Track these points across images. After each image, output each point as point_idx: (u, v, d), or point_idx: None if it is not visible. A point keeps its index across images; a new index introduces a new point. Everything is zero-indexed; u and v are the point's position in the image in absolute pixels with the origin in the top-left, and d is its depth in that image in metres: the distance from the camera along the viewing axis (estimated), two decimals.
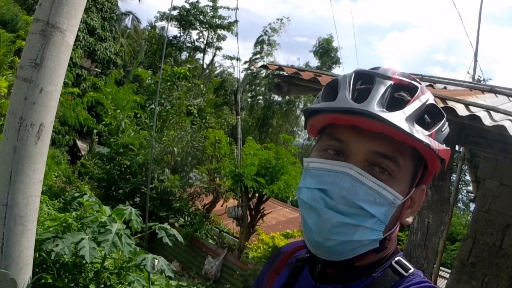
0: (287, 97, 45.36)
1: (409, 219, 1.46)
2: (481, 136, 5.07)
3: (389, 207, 1.32)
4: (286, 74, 6.22)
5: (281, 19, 49.39)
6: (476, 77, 12.95)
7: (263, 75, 46.68)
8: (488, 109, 5.00)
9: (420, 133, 1.31)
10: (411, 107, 1.33)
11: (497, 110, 5.02)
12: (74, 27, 4.91)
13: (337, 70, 48.86)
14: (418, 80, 1.42)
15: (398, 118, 1.28)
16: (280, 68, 6.33)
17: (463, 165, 9.52)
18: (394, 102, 1.33)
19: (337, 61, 48.51)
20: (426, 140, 1.31)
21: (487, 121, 4.53)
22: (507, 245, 6.38)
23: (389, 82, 1.35)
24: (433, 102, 1.40)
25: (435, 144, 1.34)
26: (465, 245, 6.66)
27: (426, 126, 1.35)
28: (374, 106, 1.28)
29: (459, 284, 6.58)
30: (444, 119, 1.42)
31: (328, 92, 1.44)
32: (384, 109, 1.29)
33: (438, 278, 9.88)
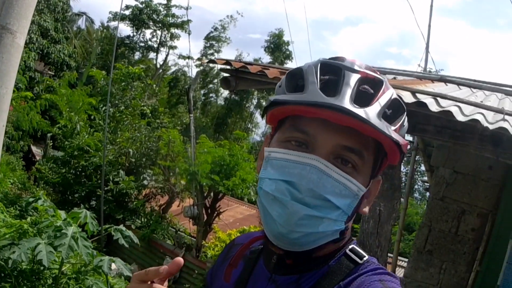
0: (238, 95, 45.54)
1: (365, 209, 1.46)
2: (430, 124, 5.14)
3: (353, 199, 1.34)
4: (234, 68, 6.23)
5: (231, 16, 49.41)
6: (428, 69, 13.14)
7: (215, 72, 46.65)
8: (435, 95, 5.09)
9: (389, 129, 1.32)
10: (380, 103, 1.33)
11: (444, 97, 5.12)
12: (25, 28, 4.86)
13: (290, 65, 49.06)
14: (378, 73, 1.42)
15: (371, 114, 1.28)
16: (228, 62, 6.34)
17: (417, 155, 9.65)
18: (360, 96, 1.32)
19: (289, 56, 48.69)
20: (395, 136, 1.33)
21: (433, 107, 4.61)
22: (463, 231, 6.50)
23: (358, 76, 1.35)
24: (397, 97, 1.40)
25: (401, 140, 1.35)
26: (421, 233, 6.75)
27: (390, 120, 1.35)
28: (348, 102, 1.27)
29: (417, 271, 6.67)
30: (405, 112, 1.43)
31: (292, 82, 1.41)
32: (355, 104, 1.28)
33: (397, 268, 10.00)
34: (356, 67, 1.36)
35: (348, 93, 1.29)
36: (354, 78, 1.33)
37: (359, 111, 1.26)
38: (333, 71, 1.36)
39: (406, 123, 1.43)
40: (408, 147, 1.49)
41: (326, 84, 1.33)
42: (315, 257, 1.41)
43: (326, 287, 1.36)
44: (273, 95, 1.47)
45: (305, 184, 1.28)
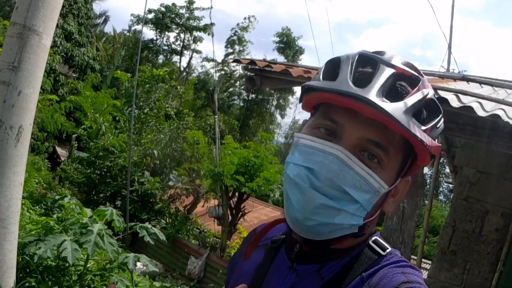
0: (260, 96, 45.46)
1: (391, 208, 1.46)
2: (452, 121, 5.14)
3: (373, 194, 1.32)
4: (258, 68, 6.25)
5: (249, 18, 49.42)
6: (451, 70, 13.07)
7: (237, 75, 46.70)
8: (456, 92, 5.09)
9: (416, 127, 1.30)
10: (411, 100, 1.31)
11: (465, 93, 5.12)
12: (51, 30, 4.94)
13: (304, 60, 48.98)
14: (421, 72, 1.40)
15: (397, 109, 1.27)
16: (252, 62, 6.36)
17: (441, 157, 9.61)
18: (394, 92, 1.31)
19: (299, 51, 48.79)
20: (421, 136, 1.31)
21: (455, 103, 4.61)
22: (487, 231, 6.46)
23: (392, 71, 1.33)
24: (433, 97, 1.39)
25: (428, 141, 1.33)
26: (445, 233, 6.72)
27: (422, 120, 1.34)
28: (374, 94, 1.27)
29: (441, 272, 6.65)
30: (441, 115, 1.41)
31: (328, 70, 1.41)
32: (384, 98, 1.28)
33: (421, 270, 9.95)
34: (393, 62, 1.35)
35: (377, 86, 1.29)
36: (388, 72, 1.33)
37: (386, 106, 1.26)
38: (370, 64, 1.36)
39: (441, 126, 1.42)
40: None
41: (362, 76, 1.33)
42: (334, 249, 1.41)
43: (348, 277, 1.36)
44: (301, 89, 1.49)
45: (324, 173, 1.28)
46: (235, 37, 48.94)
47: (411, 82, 1.35)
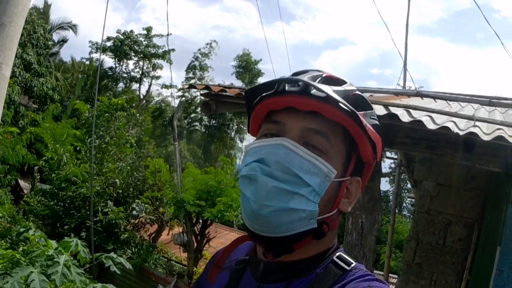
0: (220, 121, 45.50)
1: (346, 207, 1.49)
2: (407, 136, 5.25)
3: (324, 179, 1.37)
4: (214, 93, 6.32)
5: (210, 43, 49.52)
6: (407, 87, 13.24)
7: (198, 101, 46.65)
8: (406, 107, 5.20)
9: (350, 107, 1.39)
10: (344, 88, 1.45)
11: (416, 108, 5.23)
12: (10, 60, 4.92)
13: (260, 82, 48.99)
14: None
15: (335, 92, 1.39)
16: (207, 87, 6.43)
17: (402, 173, 9.73)
18: (327, 82, 1.45)
19: (258, 74, 49.01)
20: (360, 117, 1.40)
21: (405, 118, 4.71)
22: (450, 242, 6.59)
23: (321, 73, 1.47)
24: (360, 94, 1.49)
25: (364, 121, 1.42)
26: (409, 247, 6.83)
27: (356, 107, 1.41)
28: (309, 80, 1.40)
29: (408, 285, 6.73)
30: (373, 110, 1.51)
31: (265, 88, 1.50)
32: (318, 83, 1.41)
33: (390, 285, 10.03)
34: (320, 71, 1.50)
35: (308, 76, 1.45)
36: (316, 72, 1.48)
37: (323, 86, 1.38)
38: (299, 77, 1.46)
39: (375, 118, 1.51)
40: (385, 160, 1.56)
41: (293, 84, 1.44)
42: (297, 261, 1.44)
43: None
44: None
45: (272, 157, 1.36)
46: (196, 63, 48.97)
47: (339, 82, 1.49)
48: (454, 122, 4.84)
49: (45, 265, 5.72)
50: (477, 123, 4.92)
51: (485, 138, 4.49)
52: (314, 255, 1.46)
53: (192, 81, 47.83)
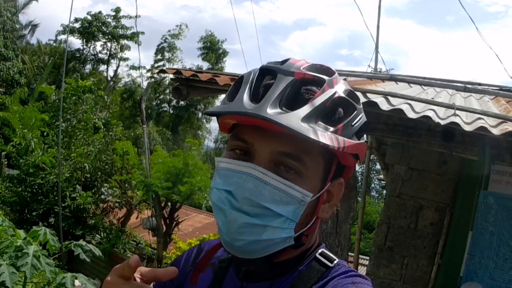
0: (187, 102, 45.44)
1: (327, 214, 1.44)
2: (382, 122, 5.22)
3: (298, 205, 1.30)
4: (185, 77, 6.23)
5: (180, 25, 49.34)
6: (378, 69, 13.24)
7: (167, 82, 46.47)
8: (385, 94, 5.16)
9: (319, 131, 1.26)
10: (314, 103, 1.28)
11: (395, 95, 5.20)
12: None
13: (230, 63, 49.06)
14: (331, 70, 1.39)
15: (294, 118, 1.23)
16: (178, 71, 6.34)
17: (372, 154, 9.73)
18: (296, 99, 1.29)
19: (222, 54, 49.22)
20: (325, 139, 1.26)
21: (384, 106, 4.66)
22: (422, 226, 6.61)
23: (291, 79, 1.30)
24: (342, 95, 1.35)
25: (337, 142, 1.29)
26: (380, 231, 6.84)
27: (332, 122, 1.31)
28: (267, 108, 1.24)
29: (380, 268, 6.75)
30: (356, 111, 1.38)
31: (231, 91, 1.39)
32: (283, 108, 1.25)
33: (359, 266, 10.11)
34: (292, 69, 1.33)
35: (272, 97, 1.27)
36: (286, 81, 1.30)
37: (279, 116, 1.23)
38: (271, 75, 1.34)
39: (358, 122, 1.39)
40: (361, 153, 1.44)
41: (264, 89, 1.31)
42: (279, 262, 1.40)
43: None
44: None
45: (241, 192, 1.28)
46: (165, 44, 48.78)
47: (316, 84, 1.33)
48: (434, 110, 4.82)
49: (14, 257, 5.61)
50: (457, 112, 4.90)
51: (467, 128, 4.47)
52: (297, 255, 1.43)
53: (161, 63, 47.71)
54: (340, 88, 1.36)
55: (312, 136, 1.24)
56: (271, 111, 1.23)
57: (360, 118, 1.40)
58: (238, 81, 1.39)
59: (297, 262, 1.42)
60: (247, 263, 1.39)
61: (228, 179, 1.32)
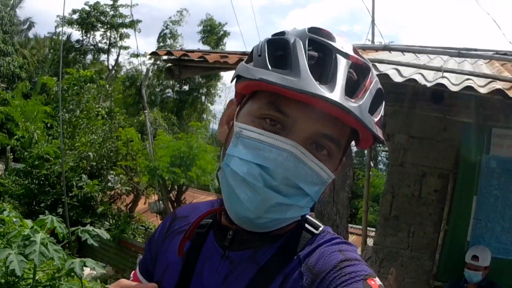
0: (190, 86, 45.37)
1: (328, 190, 1.40)
2: None
3: (322, 185, 1.30)
4: (175, 58, 6.25)
5: (181, 11, 49.22)
6: (377, 42, 13.20)
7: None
8: (373, 61, 5.16)
9: (374, 124, 1.25)
10: (369, 95, 1.25)
11: (382, 61, 5.20)
12: None
13: (229, 46, 49.08)
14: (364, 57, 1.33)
15: (363, 109, 1.22)
16: (169, 52, 6.36)
17: None
18: (348, 84, 1.22)
19: (223, 35, 48.86)
20: (378, 132, 1.27)
21: None
22: (426, 193, 6.65)
23: (348, 62, 1.25)
24: (380, 86, 1.32)
25: (381, 134, 1.29)
26: (385, 200, 6.87)
27: (375, 113, 1.28)
28: (341, 93, 1.18)
29: (386, 238, 6.78)
30: (384, 100, 1.34)
31: (276, 55, 1.27)
32: (346, 96, 1.19)
33: (368, 238, 10.11)
34: (346, 50, 1.26)
35: (341, 83, 1.20)
36: (345, 65, 1.24)
37: (353, 106, 1.19)
38: (322, 51, 1.26)
39: (383, 112, 1.34)
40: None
41: (315, 64, 1.23)
42: (272, 232, 1.36)
43: (284, 259, 1.34)
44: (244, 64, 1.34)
45: (281, 171, 1.21)
46: (167, 31, 48.69)
47: (362, 71, 1.29)
48: (422, 74, 4.83)
49: (22, 245, 5.65)
50: (446, 74, 4.90)
51: (453, 88, 4.49)
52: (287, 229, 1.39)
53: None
54: (376, 78, 1.34)
55: (375, 130, 1.25)
56: (343, 99, 1.18)
57: (382, 109, 1.35)
58: (279, 43, 1.29)
59: (282, 229, 1.37)
60: (245, 233, 1.34)
61: (263, 153, 1.23)
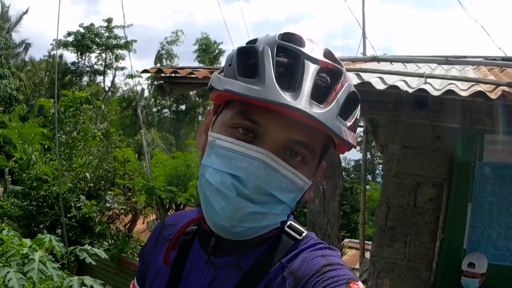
0: (187, 106, 45.41)
1: (309, 195, 1.41)
2: (363, 100, 5.30)
3: (298, 192, 1.30)
4: (166, 75, 6.30)
5: (176, 32, 49.47)
6: (371, 55, 13.28)
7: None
8: (357, 71, 5.22)
9: (344, 129, 1.25)
10: (338, 100, 1.24)
11: (365, 71, 5.25)
12: None
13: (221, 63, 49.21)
14: (338, 59, 1.31)
15: (329, 115, 1.20)
16: (160, 70, 6.42)
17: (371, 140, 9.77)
18: (317, 89, 1.21)
19: (218, 54, 49.16)
20: (348, 137, 1.26)
21: (353, 81, 4.75)
22: (421, 203, 6.68)
23: (317, 67, 1.23)
24: (354, 89, 1.32)
25: (353, 139, 1.28)
26: (381, 211, 6.88)
27: (346, 116, 1.27)
28: (306, 100, 1.17)
29: (383, 249, 6.79)
30: (359, 104, 1.36)
31: (244, 64, 1.27)
32: (313, 101, 1.18)
33: (366, 251, 10.10)
34: (316, 55, 1.25)
35: (306, 89, 1.19)
36: (313, 70, 1.23)
37: (317, 113, 1.18)
38: (290, 56, 1.25)
39: (359, 114, 1.35)
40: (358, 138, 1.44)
41: (284, 71, 1.23)
42: (254, 239, 1.36)
43: (267, 265, 1.34)
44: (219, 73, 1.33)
45: (252, 180, 1.21)
46: (163, 51, 48.88)
47: (334, 75, 1.27)
48: (405, 81, 4.89)
49: (21, 264, 5.67)
50: (430, 80, 4.97)
51: (435, 93, 4.56)
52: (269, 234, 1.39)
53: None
54: (351, 80, 1.33)
55: (344, 136, 1.25)
56: (308, 107, 1.17)
57: (357, 114, 1.35)
58: (248, 52, 1.28)
59: (266, 235, 1.37)
60: (225, 240, 1.35)
61: (235, 162, 1.23)
